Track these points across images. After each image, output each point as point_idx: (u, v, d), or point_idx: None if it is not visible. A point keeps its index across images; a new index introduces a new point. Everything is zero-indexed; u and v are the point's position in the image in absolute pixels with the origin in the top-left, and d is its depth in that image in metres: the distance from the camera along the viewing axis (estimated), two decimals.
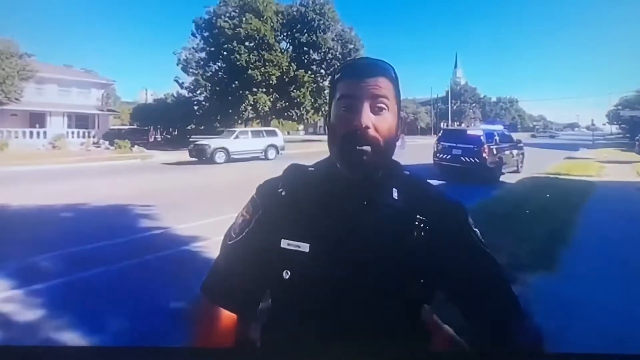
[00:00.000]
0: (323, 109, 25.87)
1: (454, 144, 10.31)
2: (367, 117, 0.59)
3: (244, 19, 23.00)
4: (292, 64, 24.44)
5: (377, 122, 0.60)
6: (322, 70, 26.76)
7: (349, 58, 27.18)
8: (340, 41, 26.58)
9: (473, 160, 9.78)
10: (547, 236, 4.20)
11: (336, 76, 0.64)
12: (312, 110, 24.93)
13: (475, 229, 0.63)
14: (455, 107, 48.80)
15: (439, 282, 0.62)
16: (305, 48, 26.75)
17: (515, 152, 11.38)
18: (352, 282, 0.58)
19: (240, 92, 22.34)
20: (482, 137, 10.09)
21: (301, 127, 41.42)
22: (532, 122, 70.82)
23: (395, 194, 0.62)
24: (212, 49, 23.82)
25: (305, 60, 26.54)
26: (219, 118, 23.29)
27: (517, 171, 11.04)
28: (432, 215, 0.61)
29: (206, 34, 24.12)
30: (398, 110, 0.64)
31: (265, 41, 23.52)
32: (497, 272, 0.61)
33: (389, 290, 0.58)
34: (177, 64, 23.76)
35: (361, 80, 0.60)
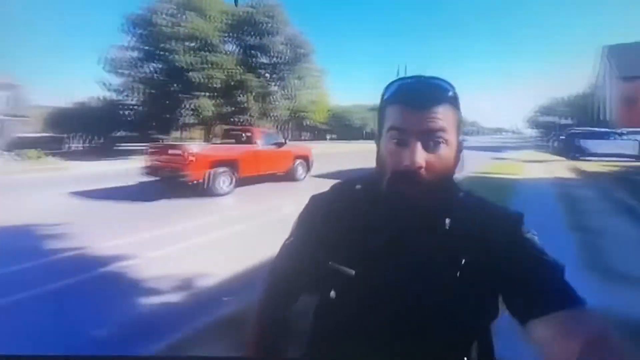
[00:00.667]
0: (271, 114, 24.83)
1: None
2: (421, 157, 0.56)
3: (184, 17, 21.18)
4: (239, 67, 23.11)
5: (432, 160, 0.57)
6: (269, 75, 25.80)
7: (299, 62, 27.18)
8: (290, 45, 25.94)
9: None
10: None
11: (386, 95, 0.60)
12: (259, 116, 23.80)
13: (528, 236, 0.59)
14: None
15: (496, 297, 0.56)
16: (253, 51, 25.59)
17: None
18: (403, 308, 0.55)
19: (180, 95, 20.40)
20: None
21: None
22: (466, 126, 77.85)
23: (447, 221, 0.59)
24: (148, 47, 21.52)
25: (253, 64, 25.37)
26: (154, 124, 20.98)
27: (459, 171, 11.76)
28: (485, 234, 0.58)
29: (140, 31, 21.73)
30: (458, 136, 0.60)
31: (209, 42, 21.91)
32: (549, 275, 0.54)
33: (439, 315, 0.54)
34: (101, 64, 20.84)
35: (416, 110, 0.55)
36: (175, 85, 20.44)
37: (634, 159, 15.04)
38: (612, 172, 11.05)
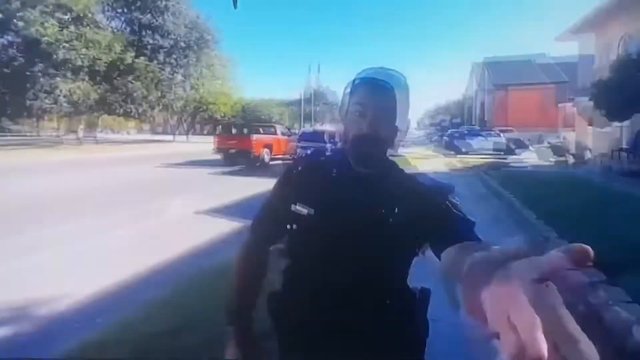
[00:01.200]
0: (174, 105, 22.29)
1: (310, 143, 11.15)
2: (374, 125, 0.73)
3: None
4: (129, 48, 20.03)
5: (382, 129, 0.74)
6: (172, 61, 23.10)
7: (206, 49, 24.92)
8: (194, 30, 23.58)
9: None
10: None
11: (356, 80, 0.76)
12: (159, 107, 21.14)
13: (450, 202, 0.73)
14: (317, 108, 52.03)
15: (416, 239, 0.75)
16: (148, 31, 22.50)
17: None
18: (343, 239, 0.74)
19: (47, 77, 16.59)
20: (324, 136, 11.33)
21: (132, 124, 35.59)
22: None
23: (386, 183, 0.77)
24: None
25: (149, 47, 22.34)
26: (8, 111, 16.68)
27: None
28: (412, 195, 0.74)
29: None
30: (404, 116, 0.76)
31: (87, 15, 18.33)
32: (465, 224, 0.70)
33: (370, 246, 0.73)
34: None
35: (374, 92, 0.74)
36: (40, 64, 16.50)
37: (503, 153, 18.06)
38: (487, 164, 12.86)
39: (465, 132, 20.90)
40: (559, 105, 23.78)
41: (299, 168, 0.83)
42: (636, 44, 10.30)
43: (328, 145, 10.78)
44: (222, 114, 25.68)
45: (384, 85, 0.73)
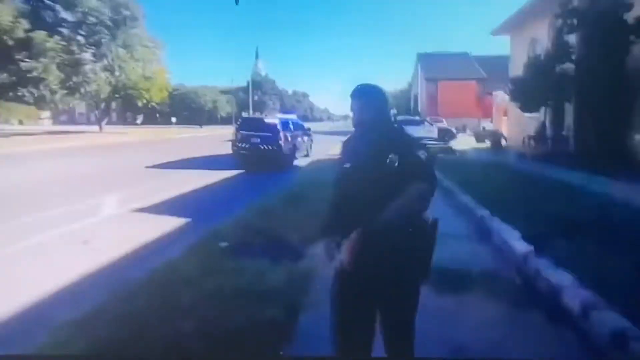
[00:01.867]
0: (82, 89, 19.09)
1: (253, 133, 10.19)
2: (360, 117, 1.35)
3: None
4: (21, 20, 16.57)
5: (367, 118, 1.34)
6: (80, 38, 19.80)
7: (123, 26, 21.73)
8: (110, 4, 20.42)
9: (271, 148, 9.95)
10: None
11: (351, 94, 1.39)
12: (63, 91, 17.98)
13: (419, 152, 1.29)
14: (256, 97, 50.09)
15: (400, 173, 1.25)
16: (47, 2, 18.90)
17: (305, 138, 12.58)
18: (368, 177, 1.27)
19: None
20: (278, 125, 10.31)
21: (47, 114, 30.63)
22: (320, 113, 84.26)
23: (386, 142, 1.31)
24: None
25: (50, 20, 18.81)
26: None
27: (307, 155, 12.27)
28: (400, 147, 1.29)
29: None
30: (382, 108, 1.37)
31: None
32: (422, 164, 1.28)
33: (384, 178, 1.24)
34: None
35: (356, 99, 1.36)
36: None
37: (435, 141, 19.38)
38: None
39: (401, 121, 21.94)
40: (481, 98, 26.22)
41: (345, 141, 1.48)
42: (543, 47, 11.47)
43: (281, 135, 9.95)
44: (145, 101, 22.88)
45: (360, 95, 1.36)
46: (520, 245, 3.07)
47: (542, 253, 2.83)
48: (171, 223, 4.31)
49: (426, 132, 20.22)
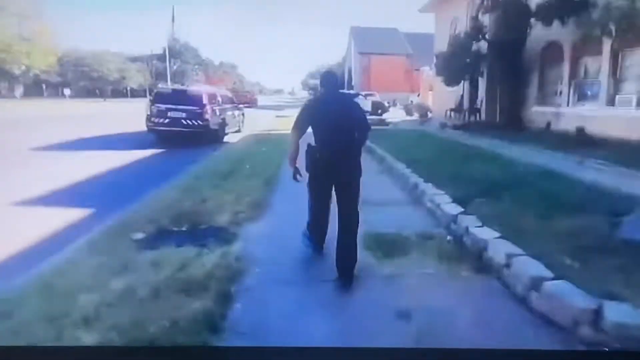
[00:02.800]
0: None
1: (173, 106, 8.94)
2: (332, 92, 2.55)
3: None
4: None
5: (334, 92, 2.56)
6: None
7: None
8: None
9: (196, 123, 8.96)
10: (264, 185, 4.55)
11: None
12: None
13: (364, 113, 2.59)
14: (175, 67, 44.65)
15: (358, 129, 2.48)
16: None
17: (236, 112, 11.79)
18: (339, 124, 2.37)
19: None
20: (204, 98, 9.25)
21: None
22: (250, 86, 79.78)
23: (348, 106, 2.54)
24: None
25: None
26: None
27: (239, 131, 11.59)
28: (355, 109, 2.53)
29: None
30: (341, 87, 3.96)
31: None
32: (365, 119, 2.53)
33: (350, 132, 2.42)
34: None
35: (327, 81, 2.54)
36: None
37: (369, 114, 20.11)
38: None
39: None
40: (409, 73, 27.66)
41: (309, 104, 2.59)
42: (462, 25, 12.33)
43: (208, 108, 8.92)
44: (24, 67, 18.55)
45: (330, 78, 2.53)
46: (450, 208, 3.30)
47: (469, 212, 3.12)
48: (61, 218, 3.52)
49: (361, 105, 20.92)
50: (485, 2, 9.51)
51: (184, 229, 3.03)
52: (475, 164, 5.35)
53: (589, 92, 8.54)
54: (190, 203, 3.63)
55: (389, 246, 2.73)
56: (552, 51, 9.24)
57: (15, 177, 5.20)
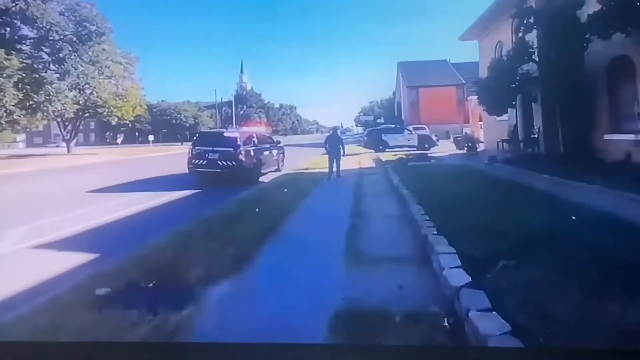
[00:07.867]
0: (48, 108, 18.19)
1: (210, 148, 9.55)
2: (333, 137, 10.42)
3: None
4: None
5: (336, 138, 10.56)
6: (44, 55, 19.07)
7: (89, 42, 21.08)
8: (73, 18, 19.81)
9: (230, 163, 9.38)
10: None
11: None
12: (24, 111, 17.12)
13: (342, 141, 10.42)
14: (241, 111, 49.56)
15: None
16: (5, 17, 18.19)
17: (275, 152, 11.90)
18: (334, 145, 9.78)
19: None
20: (238, 140, 9.72)
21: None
22: (308, 125, 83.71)
23: (338, 139, 10.24)
24: None
25: (7, 36, 18.09)
26: None
27: (278, 169, 11.66)
28: (340, 140, 10.26)
29: None
30: (340, 136, 11.80)
31: None
32: (342, 143, 10.35)
33: (338, 145, 9.78)
34: None
35: (332, 136, 10.33)
36: None
37: (415, 148, 19.09)
38: (396, 160, 13.15)
39: (383, 129, 21.83)
40: (461, 103, 26.28)
41: (326, 137, 10.26)
42: (506, 50, 11.31)
43: (242, 149, 9.61)
44: (117, 119, 22.05)
45: (334, 135, 10.18)
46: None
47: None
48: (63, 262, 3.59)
49: (406, 140, 20.02)
50: (526, 20, 8.55)
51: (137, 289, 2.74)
52: (516, 210, 4.33)
53: None
54: (169, 256, 3.38)
55: (356, 332, 2.08)
56: (620, 67, 7.73)
57: (50, 219, 5.52)
